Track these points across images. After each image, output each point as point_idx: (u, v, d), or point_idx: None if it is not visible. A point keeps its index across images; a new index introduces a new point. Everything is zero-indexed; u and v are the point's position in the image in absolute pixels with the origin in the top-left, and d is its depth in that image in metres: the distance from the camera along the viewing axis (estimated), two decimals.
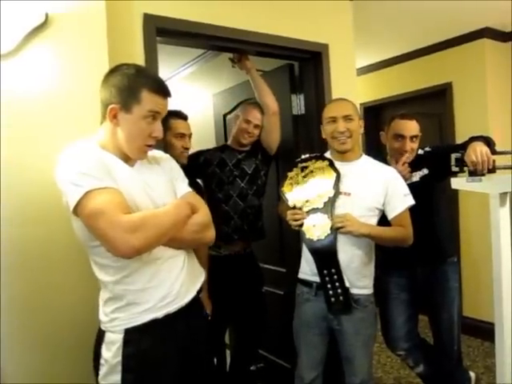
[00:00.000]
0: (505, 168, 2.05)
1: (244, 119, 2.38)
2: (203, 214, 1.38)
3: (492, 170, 1.93)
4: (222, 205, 2.35)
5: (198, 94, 3.65)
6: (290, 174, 2.02)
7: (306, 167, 1.98)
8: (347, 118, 1.91)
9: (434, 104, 3.80)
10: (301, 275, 2.02)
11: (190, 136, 2.22)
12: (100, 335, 1.30)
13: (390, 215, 1.91)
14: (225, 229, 2.32)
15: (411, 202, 1.93)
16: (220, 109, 3.20)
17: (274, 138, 2.42)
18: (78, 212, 1.16)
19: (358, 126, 1.96)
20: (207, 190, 2.41)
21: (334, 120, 1.92)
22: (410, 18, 3.10)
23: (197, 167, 2.38)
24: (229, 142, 2.53)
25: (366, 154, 2.06)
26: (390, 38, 3.54)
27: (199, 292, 1.44)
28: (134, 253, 1.17)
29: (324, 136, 2.00)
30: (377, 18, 3.04)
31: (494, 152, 1.97)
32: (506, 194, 1.97)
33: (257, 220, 2.41)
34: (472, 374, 2.55)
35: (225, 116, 3.16)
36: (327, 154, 2.02)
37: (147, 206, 1.26)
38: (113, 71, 1.30)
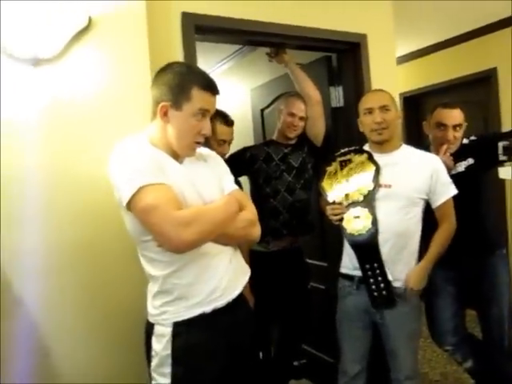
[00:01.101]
0: None
1: (288, 112, 2.35)
2: (250, 210, 1.40)
3: None
4: (270, 200, 2.34)
5: (235, 89, 3.67)
6: (328, 169, 2.00)
7: (345, 161, 1.97)
8: (384, 108, 1.89)
9: (477, 91, 3.67)
10: (342, 269, 2.01)
11: (230, 142, 2.21)
12: (149, 327, 1.33)
13: (435, 204, 1.90)
14: (274, 224, 2.32)
15: (454, 191, 1.91)
16: (258, 103, 3.21)
17: (319, 129, 2.39)
18: (132, 207, 1.19)
19: (395, 116, 1.94)
20: (255, 186, 2.42)
21: (370, 111, 1.91)
22: (450, 2, 2.99)
23: (243, 163, 2.38)
24: (274, 137, 2.51)
25: (406, 144, 2.02)
26: (429, 24, 3.44)
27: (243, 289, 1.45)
28: (186, 247, 1.20)
29: (361, 129, 1.99)
30: (416, 4, 2.95)
31: None
32: None
33: (305, 214, 2.40)
34: None
35: (262, 111, 3.16)
36: (366, 147, 1.99)
37: (196, 202, 1.29)
38: (164, 69, 1.33)
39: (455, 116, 2.16)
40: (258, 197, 2.38)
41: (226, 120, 2.15)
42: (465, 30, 3.60)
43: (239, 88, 3.62)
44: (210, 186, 1.37)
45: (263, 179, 2.36)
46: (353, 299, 1.94)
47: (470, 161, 2.13)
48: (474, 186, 2.15)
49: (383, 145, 1.93)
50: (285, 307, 2.37)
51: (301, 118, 2.35)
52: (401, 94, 4.04)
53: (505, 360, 2.28)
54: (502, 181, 3.24)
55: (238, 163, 2.32)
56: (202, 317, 1.29)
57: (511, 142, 1.89)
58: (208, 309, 1.30)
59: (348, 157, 1.97)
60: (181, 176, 1.30)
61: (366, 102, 1.96)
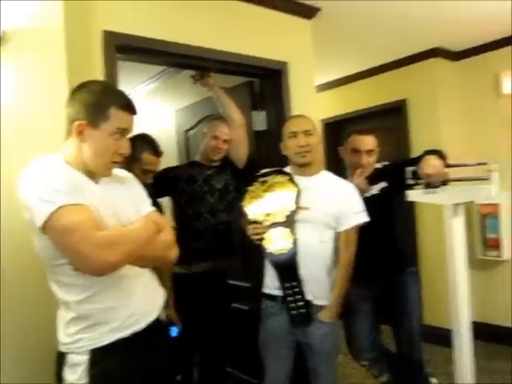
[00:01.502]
0: (457, 180, 2.15)
1: (212, 136, 2.38)
2: (168, 232, 1.38)
3: (445, 183, 2.02)
4: (192, 222, 2.33)
5: (160, 109, 3.64)
6: (250, 189, 2.03)
7: (266, 181, 2.01)
8: (307, 132, 1.97)
9: (391, 119, 3.94)
10: (265, 289, 2.03)
11: (154, 172, 2.17)
12: (61, 357, 1.25)
13: (339, 229, 1.96)
14: (196, 246, 2.30)
15: (362, 219, 1.98)
16: (182, 125, 3.21)
17: (242, 151, 2.43)
18: (48, 228, 1.13)
19: (317, 141, 2.03)
20: (177, 207, 2.39)
21: (294, 135, 1.97)
22: (366, 37, 3.22)
23: (166, 184, 2.36)
24: (197, 158, 2.52)
25: (326, 169, 2.12)
26: (348, 56, 3.67)
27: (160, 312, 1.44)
28: (108, 268, 1.16)
29: (284, 152, 2.05)
30: (335, 36, 3.15)
31: (446, 165, 2.06)
32: (458, 204, 2.06)
33: (228, 236, 2.40)
34: (434, 381, 2.63)
35: (187, 132, 3.16)
36: (287, 169, 2.05)
37: (113, 223, 1.25)
38: (80, 87, 1.29)
39: (368, 142, 2.30)
40: (180, 218, 2.36)
41: (156, 150, 2.11)
42: (379, 63, 3.87)
43: (164, 109, 3.60)
44: (127, 207, 1.34)
45: (186, 201, 2.35)
46: (277, 319, 1.96)
47: (383, 184, 2.28)
48: (386, 208, 2.29)
49: (305, 168, 2.00)
50: (207, 329, 2.35)
51: (225, 141, 2.38)
52: (322, 120, 4.24)
53: (417, 371, 2.42)
54: (413, 204, 3.49)
55: (161, 183, 2.29)
56: (119, 342, 1.25)
57: (418, 168, 2.04)
58: (126, 333, 1.26)
59: (269, 177, 2.01)
60: (97, 196, 1.26)
61: (291, 126, 2.03)
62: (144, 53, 2.08)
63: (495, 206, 3.44)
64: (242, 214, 2.04)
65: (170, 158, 2.99)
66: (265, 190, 2.00)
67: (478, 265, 3.66)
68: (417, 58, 3.68)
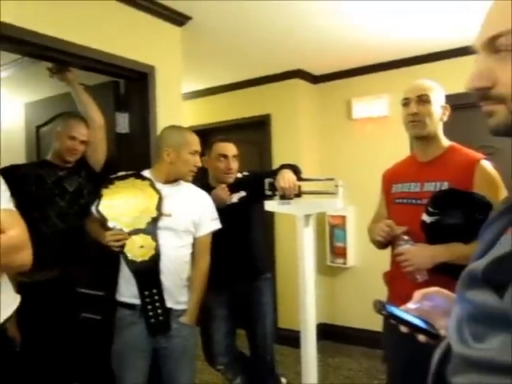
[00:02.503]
0: (309, 193, 2.34)
1: (68, 136, 2.21)
2: (13, 234, 1.24)
3: (298, 195, 2.19)
4: (38, 225, 2.13)
5: (7, 101, 3.27)
6: (105, 192, 1.96)
7: (124, 185, 1.96)
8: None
9: (255, 133, 4.12)
10: (121, 298, 1.97)
11: None
12: None
13: (197, 235, 2.03)
14: (40, 252, 2.11)
15: (218, 226, 2.09)
16: (33, 120, 2.93)
17: (100, 154, 2.32)
18: None
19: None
20: (23, 209, 2.17)
21: (195, 153, 2.04)
22: (235, 51, 3.34)
23: (11, 183, 2.12)
24: (49, 158, 2.32)
25: (193, 177, 2.15)
26: (217, 67, 3.74)
27: (5, 322, 1.29)
28: None
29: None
30: (205, 47, 3.19)
31: (300, 179, 2.24)
32: (309, 215, 2.24)
33: (78, 242, 2.25)
34: (284, 380, 2.79)
35: (38, 128, 2.90)
36: (145, 173, 2.03)
37: None
38: None
39: (233, 148, 2.42)
40: (25, 220, 2.15)
41: None
42: (247, 77, 4.03)
43: (11, 101, 3.24)
44: None
45: (32, 202, 2.15)
46: (135, 328, 1.91)
47: (243, 193, 2.38)
48: (244, 217, 2.39)
49: (167, 176, 2.00)
50: (53, 341, 2.16)
51: (82, 142, 2.24)
52: (190, 128, 4.26)
53: (268, 373, 2.55)
54: (273, 214, 3.69)
55: (6, 182, 2.06)
56: None
57: (275, 180, 2.17)
58: None
59: (128, 181, 1.96)
60: None
61: (194, 144, 2.08)
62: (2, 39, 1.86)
63: (343, 217, 3.81)
64: (98, 219, 1.95)
65: (16, 156, 2.70)
66: (123, 195, 1.94)
67: (326, 271, 4.01)
68: (282, 76, 3.91)
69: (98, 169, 2.33)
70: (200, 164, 2.05)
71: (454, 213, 1.43)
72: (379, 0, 2.50)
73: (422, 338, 0.82)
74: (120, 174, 1.99)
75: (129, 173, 1.99)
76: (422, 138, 1.70)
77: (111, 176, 1.99)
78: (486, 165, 1.57)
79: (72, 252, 2.22)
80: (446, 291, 0.90)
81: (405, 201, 1.70)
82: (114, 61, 2.29)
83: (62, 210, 2.19)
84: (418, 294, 0.90)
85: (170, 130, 2.10)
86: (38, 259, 2.08)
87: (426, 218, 1.51)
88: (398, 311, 0.83)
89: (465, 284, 0.66)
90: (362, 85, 3.81)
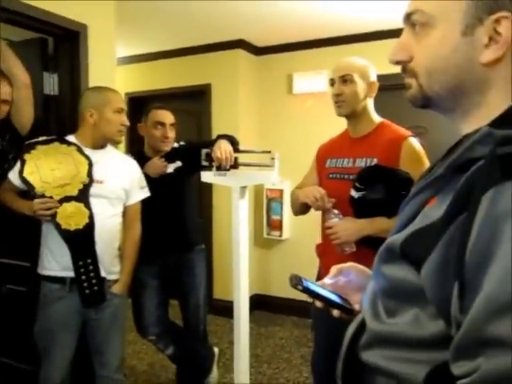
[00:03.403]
0: (246, 165, 2.34)
1: None
2: None
3: (235, 166, 2.18)
4: None
5: None
6: (28, 157, 1.83)
7: (48, 150, 1.85)
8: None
9: (194, 102, 4.03)
10: (46, 272, 1.87)
11: None
12: None
13: (128, 203, 2.01)
14: None
15: (146, 194, 2.08)
16: None
17: (26, 115, 2.13)
18: None
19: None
20: None
21: (122, 111, 1.93)
22: (175, 17, 3.20)
23: None
24: None
25: (129, 144, 2.08)
26: (156, 32, 3.59)
27: None
28: None
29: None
30: (143, 10, 3.03)
31: (237, 150, 2.22)
32: (245, 187, 2.25)
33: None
34: (216, 350, 2.83)
35: None
36: (70, 138, 1.93)
37: None
38: None
39: (170, 116, 2.35)
40: None
41: None
42: (186, 45, 3.90)
43: None
44: None
45: None
46: (65, 303, 1.84)
47: (179, 163, 2.34)
48: (179, 188, 2.36)
49: (95, 141, 1.92)
50: None
51: (4, 102, 2.05)
52: (126, 94, 4.09)
53: (200, 343, 2.58)
54: (211, 185, 3.67)
55: None
56: None
57: (211, 150, 2.14)
58: None
59: (51, 146, 1.85)
60: None
61: (118, 101, 1.95)
62: None
63: (280, 191, 3.86)
64: (17, 187, 1.84)
65: None
66: (49, 160, 1.83)
67: (263, 243, 4.07)
68: (223, 45, 3.82)
69: (24, 132, 2.16)
70: (127, 123, 1.94)
71: (378, 188, 1.49)
72: None
73: (336, 312, 0.84)
74: (42, 138, 1.88)
75: (52, 137, 1.89)
76: (348, 116, 1.73)
77: (32, 140, 1.87)
78: (413, 142, 1.63)
79: None
80: (361, 266, 0.92)
81: (338, 176, 1.74)
82: (43, 16, 2.12)
83: None
84: (333, 269, 0.92)
85: (91, 90, 2.02)
86: None
87: (353, 193, 1.57)
88: (313, 286, 0.84)
89: (382, 258, 0.67)
90: (304, 60, 3.82)
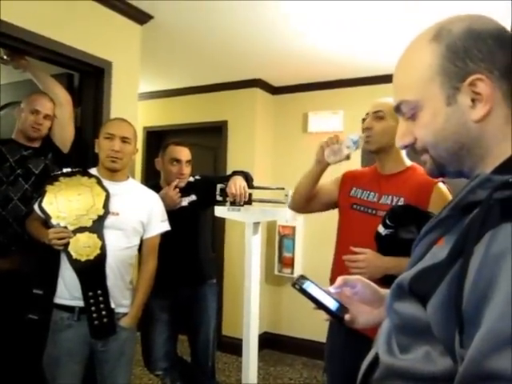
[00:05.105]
0: (260, 201, 2.37)
1: (31, 110, 2.09)
2: None
3: (248, 202, 2.21)
4: None
5: None
6: (49, 188, 1.89)
7: (70, 182, 1.90)
8: (125, 139, 1.92)
9: (211, 138, 4.12)
10: (58, 300, 1.89)
11: None
12: None
13: (145, 236, 2.01)
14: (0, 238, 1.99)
15: (166, 228, 2.06)
16: None
17: (67, 133, 2.20)
18: None
19: (132, 150, 2.00)
20: None
21: (111, 137, 1.91)
22: (196, 56, 3.33)
23: None
24: (13, 136, 2.17)
25: (146, 177, 2.11)
26: (176, 69, 3.72)
27: None
28: None
29: (97, 150, 1.96)
30: (165, 48, 3.16)
31: (251, 186, 2.26)
32: (258, 223, 2.27)
33: None
34: None
35: None
36: (93, 171, 1.98)
37: None
38: None
39: (187, 153, 2.38)
40: None
41: None
42: (205, 82, 4.02)
43: None
44: None
45: None
46: (73, 332, 1.84)
47: (193, 197, 2.37)
48: (193, 221, 2.38)
49: (113, 173, 1.95)
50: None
51: (46, 117, 2.12)
52: (145, 128, 4.20)
53: (208, 380, 2.53)
54: (223, 220, 3.69)
55: None
56: None
57: (226, 186, 2.18)
58: None
59: (74, 178, 1.90)
60: None
61: (110, 127, 1.95)
62: None
63: (292, 228, 3.86)
64: (40, 217, 1.88)
65: None
66: (68, 192, 1.88)
67: (274, 280, 4.04)
68: (241, 84, 3.93)
69: (66, 149, 2.20)
70: (117, 148, 1.88)
71: (410, 228, 1.48)
72: (341, 20, 2.59)
73: (325, 317, 0.91)
74: (66, 170, 1.92)
75: (75, 170, 1.93)
76: (376, 152, 1.74)
77: (57, 172, 1.92)
78: (442, 187, 1.63)
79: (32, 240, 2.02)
80: (367, 280, 0.94)
81: (362, 208, 1.73)
82: (71, 53, 2.22)
83: (25, 193, 2.06)
84: (339, 279, 0.94)
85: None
86: None
87: (381, 229, 1.55)
88: (311, 289, 0.88)
89: (393, 295, 0.69)
90: (320, 99, 3.90)
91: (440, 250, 0.62)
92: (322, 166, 1.77)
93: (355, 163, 2.23)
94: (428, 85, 0.67)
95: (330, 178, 1.92)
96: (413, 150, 0.74)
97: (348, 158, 1.70)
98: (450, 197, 1.64)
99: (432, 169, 0.73)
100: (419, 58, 0.69)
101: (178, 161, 2.34)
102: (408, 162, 1.75)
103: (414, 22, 2.47)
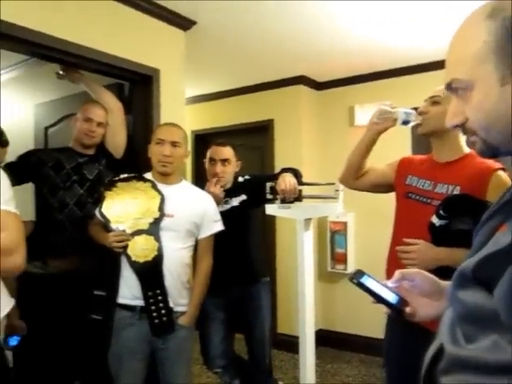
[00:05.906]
0: (310, 198, 2.35)
1: (84, 118, 2.20)
2: (4, 236, 1.16)
3: (299, 199, 2.20)
4: (55, 213, 2.11)
5: (17, 102, 3.32)
6: (107, 194, 1.97)
7: (126, 187, 1.97)
8: (174, 143, 1.98)
9: (258, 137, 4.14)
10: (121, 300, 1.97)
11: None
12: None
13: (200, 236, 2.05)
14: (56, 241, 2.10)
15: (220, 227, 2.10)
16: (42, 121, 2.97)
17: (120, 139, 2.29)
18: None
19: (183, 153, 2.05)
20: (39, 196, 2.16)
21: (161, 142, 1.97)
22: (240, 57, 3.36)
23: (27, 168, 2.11)
24: (70, 145, 2.29)
25: (194, 179, 2.16)
26: (221, 72, 3.77)
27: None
28: None
29: (150, 155, 2.03)
30: (209, 52, 3.22)
31: (301, 183, 2.25)
32: (309, 219, 2.25)
33: None
34: None
35: (47, 129, 2.94)
36: (147, 175, 2.04)
37: None
38: None
39: (223, 152, 2.39)
40: (42, 208, 2.15)
41: (0, 140, 1.88)
42: (250, 83, 4.06)
43: (21, 102, 3.29)
44: None
45: (49, 188, 2.13)
46: (134, 330, 1.92)
47: (244, 197, 2.39)
48: (244, 220, 2.41)
49: (166, 176, 2.01)
50: (60, 339, 2.08)
51: (99, 124, 2.22)
52: (193, 131, 4.29)
53: (265, 377, 2.55)
54: (271, 216, 3.70)
55: (22, 167, 2.08)
56: None
57: (276, 183, 2.19)
58: None
59: (130, 183, 1.98)
60: None
61: (160, 133, 2.02)
62: (7, 39, 1.88)
63: (344, 223, 3.81)
64: (101, 222, 1.98)
65: None
66: (125, 196, 1.96)
67: (327, 277, 4.00)
68: (285, 82, 3.94)
69: (119, 155, 2.30)
70: (167, 153, 1.94)
71: (465, 219, 1.42)
72: (383, 9, 2.53)
73: (386, 310, 0.91)
74: (122, 176, 2.00)
75: (131, 175, 2.01)
76: (430, 136, 1.70)
77: (114, 178, 2.01)
78: (502, 175, 1.55)
79: (87, 242, 2.11)
80: (427, 273, 0.92)
81: (417, 197, 1.68)
82: (120, 63, 2.32)
83: (81, 198, 2.17)
84: (397, 273, 0.93)
85: None
86: (54, 248, 2.10)
87: (435, 220, 1.50)
88: (369, 283, 0.88)
89: (456, 284, 0.67)
90: (365, 92, 3.83)
91: (503, 236, 0.60)
92: (371, 133, 1.81)
93: (405, 152, 2.16)
94: (481, 63, 0.65)
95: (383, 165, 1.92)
96: (463, 130, 0.72)
97: (393, 124, 1.72)
98: (510, 184, 1.56)
99: (483, 149, 0.71)
100: (473, 34, 0.66)
101: (214, 160, 2.38)
102: (466, 149, 1.67)
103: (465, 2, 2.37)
